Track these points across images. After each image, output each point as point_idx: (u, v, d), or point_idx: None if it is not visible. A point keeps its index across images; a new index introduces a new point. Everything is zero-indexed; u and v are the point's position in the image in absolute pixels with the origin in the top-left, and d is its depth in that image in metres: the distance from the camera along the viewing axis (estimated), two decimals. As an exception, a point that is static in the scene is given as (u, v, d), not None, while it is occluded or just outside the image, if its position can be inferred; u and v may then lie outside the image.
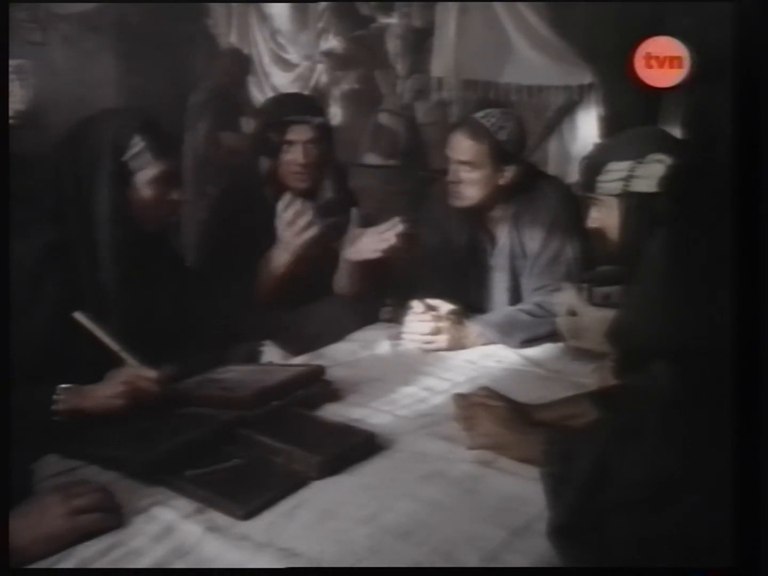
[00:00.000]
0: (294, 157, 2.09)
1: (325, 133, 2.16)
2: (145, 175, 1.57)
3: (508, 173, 2.07)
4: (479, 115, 2.07)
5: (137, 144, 1.56)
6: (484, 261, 2.18)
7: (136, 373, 1.42)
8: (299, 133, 2.08)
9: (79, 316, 1.48)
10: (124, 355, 1.46)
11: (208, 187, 3.01)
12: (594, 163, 1.58)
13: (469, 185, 2.07)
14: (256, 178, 2.16)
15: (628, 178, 1.50)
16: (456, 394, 1.46)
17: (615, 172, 1.52)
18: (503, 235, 2.15)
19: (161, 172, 1.58)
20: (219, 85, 4.29)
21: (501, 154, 2.05)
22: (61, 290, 1.50)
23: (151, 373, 1.42)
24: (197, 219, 2.52)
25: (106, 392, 1.38)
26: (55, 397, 1.35)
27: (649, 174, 1.48)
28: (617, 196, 1.51)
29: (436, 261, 2.21)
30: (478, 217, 2.16)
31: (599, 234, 1.58)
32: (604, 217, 1.55)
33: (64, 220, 1.54)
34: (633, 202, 1.48)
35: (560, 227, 2.07)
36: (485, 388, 1.46)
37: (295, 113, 2.11)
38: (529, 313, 2.00)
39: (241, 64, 4.67)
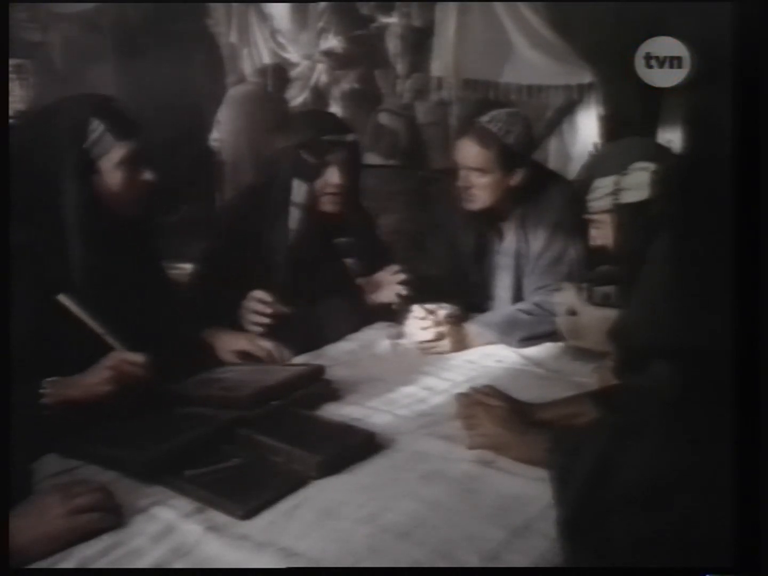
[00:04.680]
0: (330, 178, 1.98)
1: (357, 152, 2.09)
2: (111, 159, 1.52)
3: (518, 175, 2.06)
4: (485, 119, 2.05)
5: (96, 128, 1.50)
6: (488, 261, 2.19)
7: (121, 357, 1.40)
8: (336, 154, 1.98)
9: (64, 299, 1.44)
10: (109, 339, 1.44)
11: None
12: (581, 184, 1.61)
13: (481, 189, 2.07)
14: (284, 194, 2.02)
15: (615, 192, 1.53)
16: (459, 394, 1.46)
17: (602, 189, 1.55)
18: (509, 235, 2.15)
19: (127, 152, 1.53)
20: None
21: (510, 157, 2.04)
22: (36, 290, 1.44)
23: (136, 357, 1.40)
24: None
25: (93, 379, 1.37)
26: (41, 390, 1.34)
27: (636, 183, 1.51)
28: (609, 211, 1.53)
29: (440, 261, 2.22)
30: (486, 218, 2.16)
31: (603, 251, 1.60)
32: (603, 233, 1.58)
33: (32, 219, 1.47)
34: (625, 214, 1.51)
35: (564, 228, 2.06)
36: (488, 386, 1.46)
37: (330, 132, 2.01)
38: (528, 312, 2.00)
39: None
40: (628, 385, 1.33)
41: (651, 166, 1.50)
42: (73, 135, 1.49)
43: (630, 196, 1.51)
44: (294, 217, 1.99)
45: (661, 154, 1.56)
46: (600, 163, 1.61)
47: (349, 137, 2.03)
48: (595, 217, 1.58)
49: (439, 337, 1.94)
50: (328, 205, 2.01)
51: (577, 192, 1.62)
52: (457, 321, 1.98)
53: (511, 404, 1.39)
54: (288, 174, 1.99)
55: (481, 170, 2.05)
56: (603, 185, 1.54)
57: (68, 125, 1.51)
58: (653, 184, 1.48)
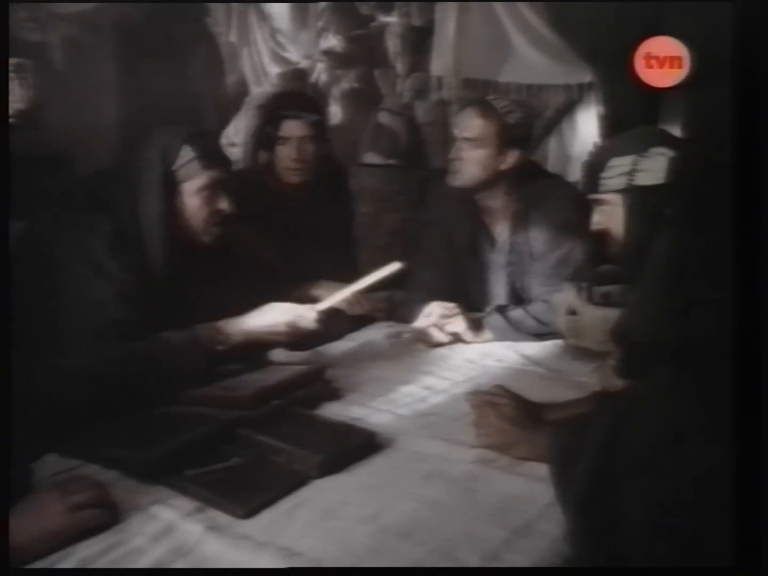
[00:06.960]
0: (288, 152, 2.15)
1: (321, 132, 2.22)
2: (193, 184, 1.63)
3: (511, 158, 2.05)
4: (491, 97, 2.14)
5: (186, 154, 1.62)
6: (483, 259, 2.19)
7: (296, 307, 1.64)
8: (292, 129, 2.14)
9: None
10: None
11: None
12: (596, 162, 1.59)
13: (471, 164, 2.05)
14: (256, 169, 2.22)
15: (632, 172, 1.51)
16: (469, 393, 1.45)
17: (618, 168, 1.52)
18: (504, 233, 2.14)
19: (209, 181, 1.64)
20: None
21: (506, 136, 2.03)
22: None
23: (310, 309, 1.65)
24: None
25: (269, 324, 1.62)
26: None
27: (653, 167, 1.49)
28: (621, 191, 1.51)
29: (436, 260, 2.21)
30: (477, 210, 2.15)
31: (604, 236, 1.58)
32: (609, 217, 1.56)
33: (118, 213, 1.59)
34: (638, 196, 1.49)
35: (571, 229, 2.04)
36: (498, 386, 1.45)
37: (290, 109, 2.18)
38: (535, 318, 2.00)
39: None
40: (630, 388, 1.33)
41: (670, 152, 1.49)
42: (163, 155, 1.61)
43: (646, 179, 1.48)
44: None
45: (680, 144, 1.54)
46: (619, 144, 1.59)
47: (312, 117, 2.18)
48: (605, 196, 1.56)
49: (452, 337, 1.97)
50: (291, 177, 2.17)
51: (589, 170, 1.60)
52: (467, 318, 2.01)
53: (520, 403, 1.38)
54: (254, 146, 2.20)
55: (476, 141, 2.03)
56: (620, 164, 1.52)
57: (161, 146, 1.62)
58: (670, 171, 1.46)
